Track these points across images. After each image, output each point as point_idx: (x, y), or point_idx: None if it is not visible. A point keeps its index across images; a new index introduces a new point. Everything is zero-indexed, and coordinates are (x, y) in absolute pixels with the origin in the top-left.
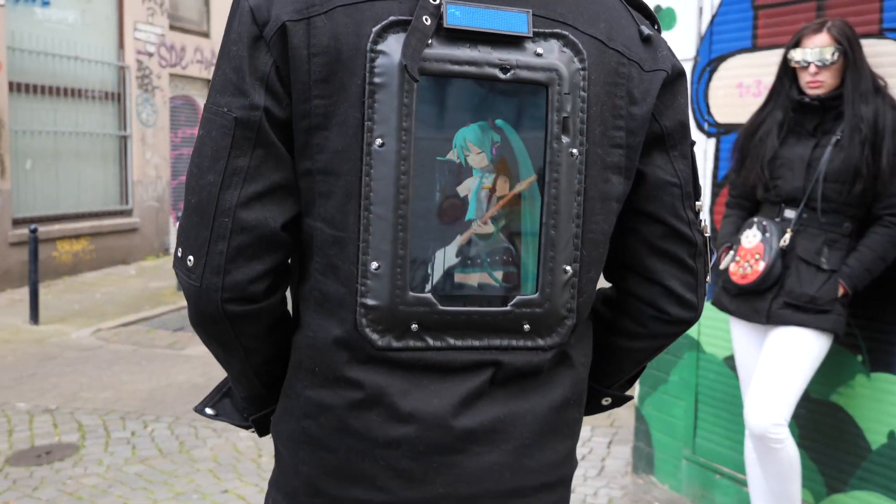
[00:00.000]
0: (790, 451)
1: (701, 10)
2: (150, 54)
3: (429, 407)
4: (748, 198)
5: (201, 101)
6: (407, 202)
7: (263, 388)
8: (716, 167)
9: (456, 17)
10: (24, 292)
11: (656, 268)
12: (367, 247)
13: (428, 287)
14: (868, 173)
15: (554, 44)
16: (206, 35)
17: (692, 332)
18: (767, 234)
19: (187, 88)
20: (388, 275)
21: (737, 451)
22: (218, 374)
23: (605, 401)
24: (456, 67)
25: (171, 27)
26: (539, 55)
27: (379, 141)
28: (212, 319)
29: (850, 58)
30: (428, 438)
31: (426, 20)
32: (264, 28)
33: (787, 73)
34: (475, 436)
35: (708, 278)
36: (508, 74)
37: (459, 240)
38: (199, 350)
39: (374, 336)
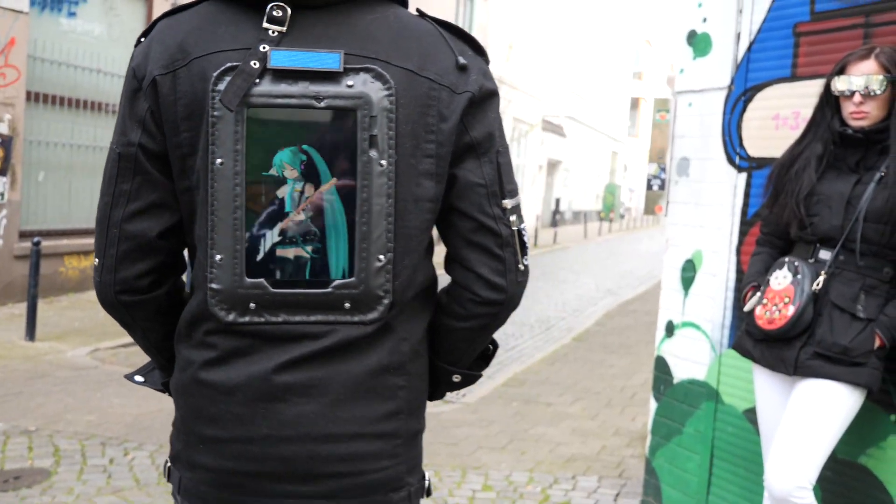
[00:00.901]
0: None
1: (738, 35)
2: None
3: (257, 366)
4: (781, 236)
5: None
6: (241, 207)
7: (164, 360)
8: (746, 204)
9: (279, 60)
10: (25, 307)
11: (469, 257)
12: (213, 243)
13: (260, 271)
14: None
15: (364, 76)
16: None
17: (711, 381)
18: (799, 276)
19: None
20: (228, 265)
21: None
22: None
23: (455, 378)
24: (279, 100)
25: None
26: (350, 86)
27: (219, 160)
28: (111, 306)
29: None
30: (254, 389)
31: (254, 64)
32: (142, 82)
33: (830, 102)
34: (294, 389)
35: (522, 264)
36: (323, 103)
37: (280, 225)
38: None
39: (221, 313)
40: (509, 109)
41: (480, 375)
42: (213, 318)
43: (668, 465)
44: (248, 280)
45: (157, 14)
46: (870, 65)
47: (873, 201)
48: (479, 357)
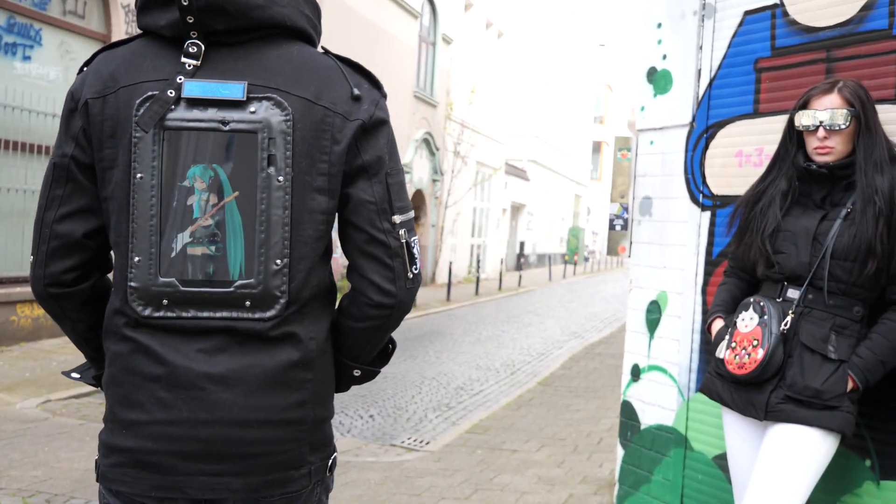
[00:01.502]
0: None
1: (699, 72)
2: None
3: (177, 355)
4: (748, 271)
5: None
6: (156, 216)
7: (91, 351)
8: (710, 243)
9: (192, 90)
10: None
11: (363, 265)
12: (132, 246)
13: (174, 273)
14: (882, 252)
15: (266, 104)
16: None
17: (679, 426)
18: (766, 317)
19: None
20: (144, 265)
21: None
22: None
23: (356, 372)
24: (190, 124)
25: None
26: (252, 112)
27: (139, 175)
28: (41, 297)
29: (863, 122)
30: (176, 377)
31: (170, 93)
32: (77, 103)
33: (793, 138)
34: (212, 378)
35: (411, 272)
36: (227, 127)
37: (191, 228)
38: None
39: (139, 308)
40: (472, 153)
41: (378, 371)
42: (128, 314)
43: None
44: (161, 279)
45: None
46: (833, 99)
47: (840, 238)
48: (378, 355)
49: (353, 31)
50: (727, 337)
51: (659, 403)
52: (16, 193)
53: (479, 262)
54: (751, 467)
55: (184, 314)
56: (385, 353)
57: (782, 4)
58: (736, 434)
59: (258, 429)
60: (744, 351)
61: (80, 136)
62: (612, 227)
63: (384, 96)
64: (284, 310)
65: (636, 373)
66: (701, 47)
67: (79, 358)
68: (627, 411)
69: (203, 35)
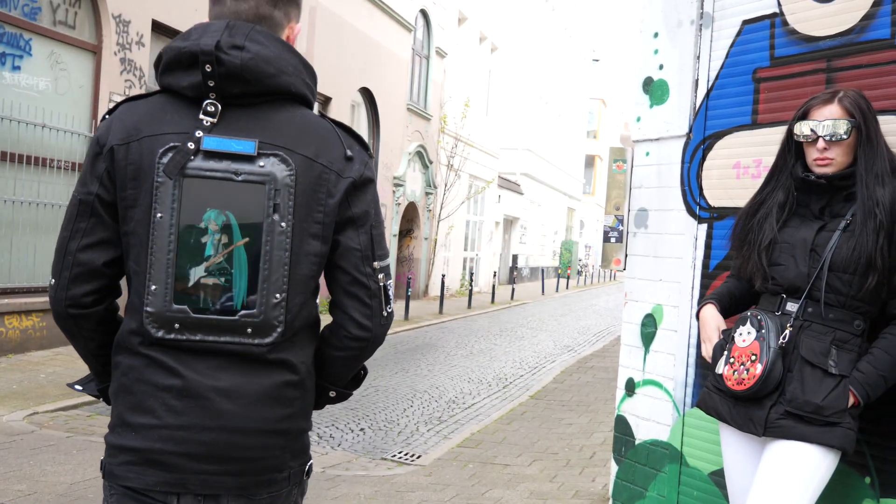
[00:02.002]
0: None
1: (696, 82)
2: None
3: (189, 370)
4: (748, 280)
5: None
6: (173, 251)
7: (99, 366)
8: (707, 256)
9: (209, 144)
10: None
11: (346, 303)
12: (150, 276)
13: (185, 302)
14: (883, 266)
15: (273, 159)
16: None
17: (675, 442)
18: (764, 331)
19: None
20: (160, 293)
21: None
22: None
23: (332, 393)
24: (207, 173)
25: None
26: (261, 167)
27: (159, 215)
28: (61, 317)
29: (864, 133)
30: (188, 388)
31: (191, 145)
32: (103, 148)
33: (792, 148)
34: (218, 391)
35: (386, 311)
36: (240, 178)
37: (205, 264)
38: None
39: (153, 330)
40: (466, 166)
41: (351, 394)
42: (143, 335)
43: None
44: (175, 306)
45: (105, 68)
46: (833, 109)
47: (839, 250)
48: (352, 379)
49: (348, 44)
50: (725, 352)
51: (654, 418)
52: (4, 204)
53: (472, 275)
54: (749, 485)
55: (193, 337)
56: (357, 377)
57: (782, 13)
58: (734, 451)
59: (254, 436)
60: (742, 366)
61: (104, 177)
62: (606, 239)
63: (371, 157)
64: (280, 337)
65: (631, 387)
66: (698, 57)
67: (68, 369)
68: (622, 426)
69: (220, 97)
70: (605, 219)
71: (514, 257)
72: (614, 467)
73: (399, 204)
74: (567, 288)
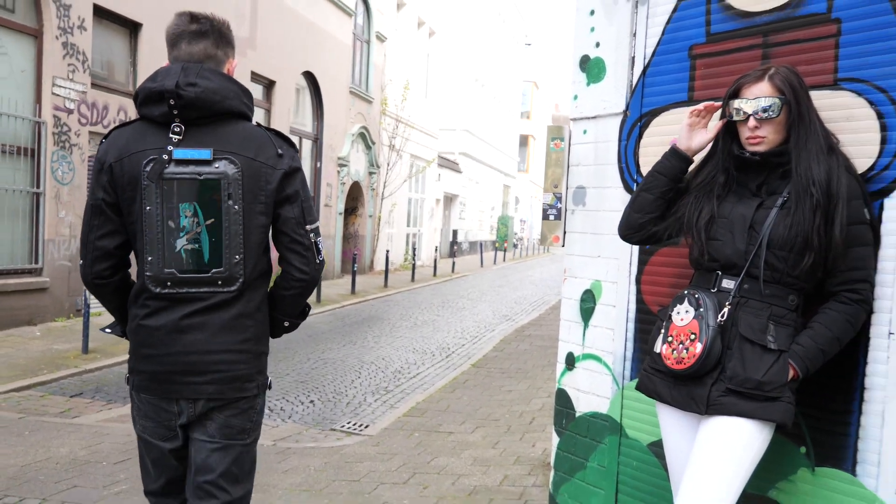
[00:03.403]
0: None
1: (633, 59)
2: (70, 111)
3: (172, 314)
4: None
5: None
6: (161, 232)
7: (121, 316)
8: None
9: (178, 154)
10: None
11: (289, 256)
12: (147, 250)
13: (174, 266)
14: (819, 245)
15: (224, 162)
16: (131, 95)
17: (614, 414)
18: (702, 309)
19: None
20: (155, 261)
21: None
22: (104, 447)
23: (286, 323)
24: (178, 176)
25: (94, 85)
26: (217, 167)
27: (148, 208)
28: (89, 286)
29: (795, 110)
30: (169, 326)
31: (165, 157)
32: (103, 165)
33: (728, 125)
34: (192, 326)
35: (318, 260)
36: (202, 177)
37: (186, 236)
38: (92, 419)
39: (153, 287)
40: (407, 147)
41: (299, 323)
42: (148, 291)
43: (573, 500)
44: (166, 270)
45: (47, 50)
46: (763, 87)
47: (776, 227)
48: (300, 313)
49: (291, 30)
50: (663, 331)
51: (594, 391)
52: None
53: (414, 250)
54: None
55: (180, 291)
56: (303, 311)
57: None
58: (674, 430)
59: (220, 355)
60: (681, 345)
61: (106, 186)
62: (545, 216)
63: (297, 151)
64: (242, 286)
65: (571, 361)
66: (635, 34)
67: (18, 350)
68: (562, 399)
69: (182, 120)
70: (543, 196)
71: (455, 232)
72: (556, 439)
73: (344, 183)
74: (504, 260)
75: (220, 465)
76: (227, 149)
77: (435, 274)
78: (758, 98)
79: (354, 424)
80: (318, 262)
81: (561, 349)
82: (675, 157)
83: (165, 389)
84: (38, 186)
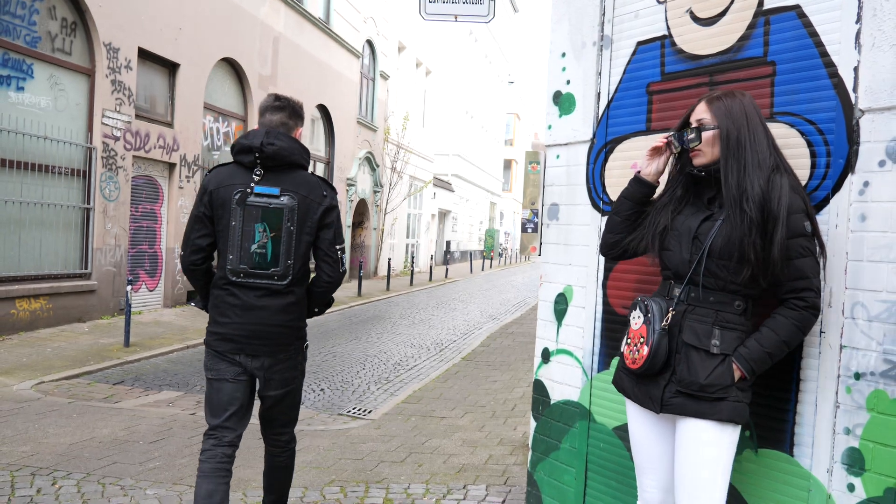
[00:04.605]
0: None
1: (598, 95)
2: (117, 138)
3: (246, 296)
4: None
5: (161, 181)
6: (240, 241)
7: (205, 293)
8: None
9: (258, 189)
10: None
11: (321, 265)
12: (230, 250)
13: (245, 263)
14: (756, 260)
15: (287, 197)
16: (169, 125)
17: (584, 402)
18: (650, 315)
19: (149, 169)
20: (235, 259)
21: None
22: (141, 428)
23: (316, 310)
24: (256, 203)
25: (138, 116)
26: (282, 200)
27: (233, 223)
28: (186, 272)
29: (724, 126)
30: (245, 304)
31: (248, 190)
32: (206, 189)
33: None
34: (258, 306)
35: (342, 269)
36: (272, 206)
37: (258, 242)
38: (132, 403)
39: (230, 276)
40: (406, 169)
41: (325, 311)
42: (226, 279)
43: (548, 477)
44: (241, 265)
45: (98, 87)
46: (700, 107)
47: (716, 239)
48: (325, 304)
49: (307, 69)
50: (625, 334)
51: (566, 382)
52: (13, 205)
53: (413, 258)
54: (652, 450)
55: (249, 280)
56: (329, 303)
57: (671, 35)
58: (638, 423)
59: (276, 328)
60: (635, 347)
61: (206, 204)
62: (524, 229)
63: (335, 192)
64: (291, 281)
65: (546, 356)
66: (600, 73)
67: (71, 344)
68: (539, 389)
69: (262, 166)
70: (522, 212)
71: (448, 243)
72: (533, 423)
73: (352, 200)
74: (490, 268)
75: (284, 402)
76: (289, 188)
77: (431, 279)
78: (696, 118)
79: (359, 410)
80: (341, 270)
81: (538, 345)
82: (638, 183)
83: (231, 347)
84: (88, 203)
